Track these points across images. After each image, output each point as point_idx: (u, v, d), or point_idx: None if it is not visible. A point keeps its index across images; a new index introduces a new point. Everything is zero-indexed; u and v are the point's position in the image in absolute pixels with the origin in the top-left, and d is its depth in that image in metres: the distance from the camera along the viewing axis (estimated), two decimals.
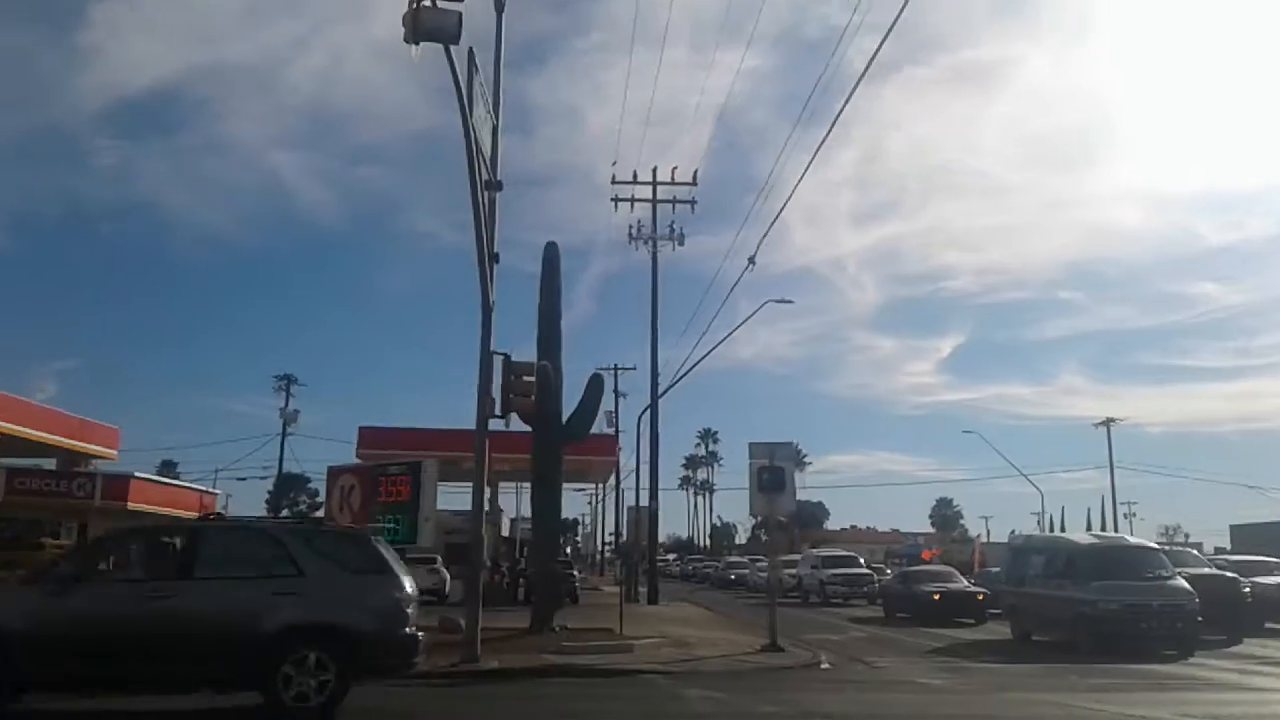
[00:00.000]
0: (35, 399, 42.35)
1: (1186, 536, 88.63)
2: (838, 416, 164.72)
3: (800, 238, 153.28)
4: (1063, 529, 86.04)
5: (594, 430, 25.67)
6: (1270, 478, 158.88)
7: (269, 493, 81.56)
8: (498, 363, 14.38)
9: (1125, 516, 78.22)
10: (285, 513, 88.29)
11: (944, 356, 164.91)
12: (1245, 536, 43.03)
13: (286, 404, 69.59)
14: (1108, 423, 62.74)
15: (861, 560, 42.52)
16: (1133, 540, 24.89)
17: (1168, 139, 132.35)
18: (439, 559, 31.51)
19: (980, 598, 27.36)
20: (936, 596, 27.65)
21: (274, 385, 72.12)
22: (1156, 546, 23.47)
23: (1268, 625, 22.26)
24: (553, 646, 16.28)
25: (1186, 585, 19.45)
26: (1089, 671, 15.11)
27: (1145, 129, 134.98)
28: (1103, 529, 66.08)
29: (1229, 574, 23.28)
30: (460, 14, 10.20)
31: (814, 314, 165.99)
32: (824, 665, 16.14)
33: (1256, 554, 29.46)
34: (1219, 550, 48.17)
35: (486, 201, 14.16)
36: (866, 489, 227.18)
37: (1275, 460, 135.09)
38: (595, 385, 18.73)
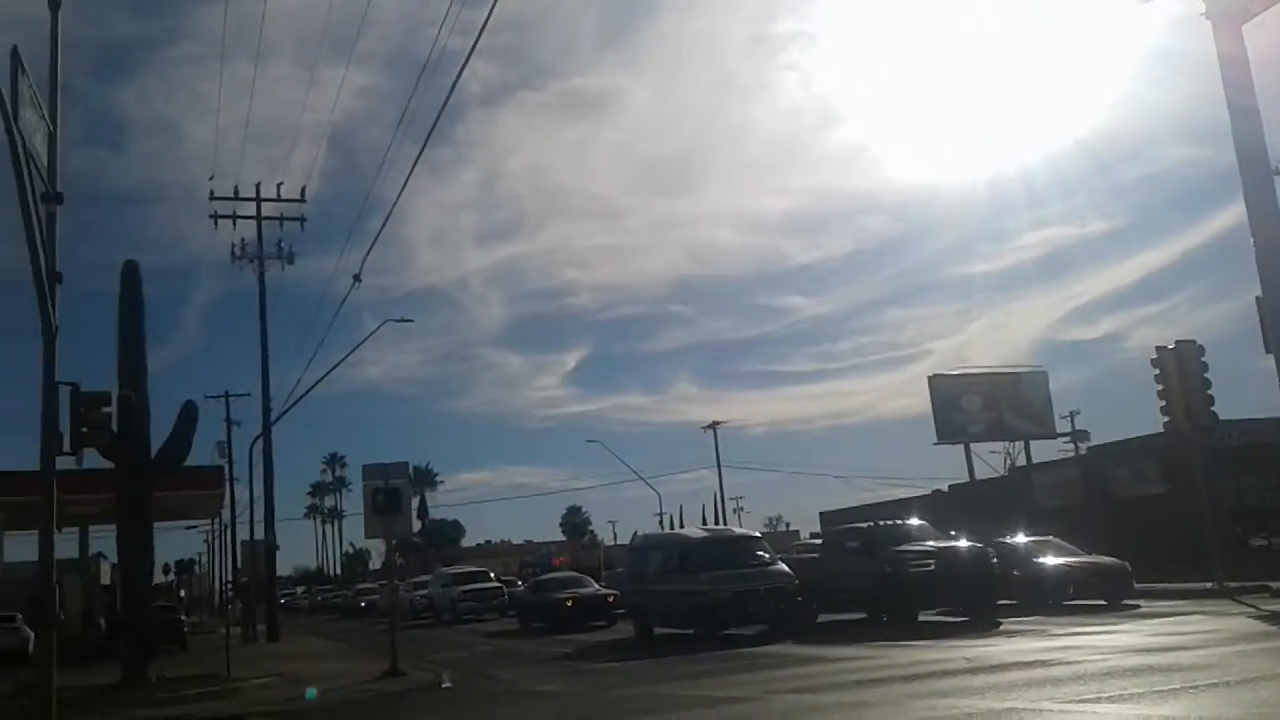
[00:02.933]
0: None
1: (787, 525, 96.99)
2: (469, 434, 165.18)
3: (425, 258, 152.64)
4: (681, 526, 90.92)
5: (204, 462, 24.04)
6: (853, 468, 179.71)
7: None
8: (65, 394, 12.97)
9: (734, 511, 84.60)
10: None
11: (569, 370, 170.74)
12: (833, 521, 47.69)
13: None
14: (714, 426, 67.32)
15: (491, 574, 42.78)
16: (738, 531, 27.03)
17: (755, 169, 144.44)
18: (19, 617, 28.13)
19: (610, 600, 27.99)
20: (568, 603, 28.02)
21: None
22: (759, 535, 24.97)
23: None
24: (144, 699, 14.93)
25: (786, 569, 20.93)
26: (698, 660, 15.95)
27: (736, 159, 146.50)
28: (715, 523, 70.93)
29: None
30: None
31: (442, 333, 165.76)
32: (445, 685, 15.95)
33: None
34: (813, 535, 53.10)
35: (44, 216, 12.75)
36: (501, 503, 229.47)
37: (856, 452, 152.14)
38: (188, 413, 17.42)
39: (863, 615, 21.70)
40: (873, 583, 20.59)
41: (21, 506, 19.10)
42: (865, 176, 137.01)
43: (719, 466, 67.51)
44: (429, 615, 40.59)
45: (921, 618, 20.50)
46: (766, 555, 21.46)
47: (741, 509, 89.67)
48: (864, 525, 23.87)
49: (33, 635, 27.67)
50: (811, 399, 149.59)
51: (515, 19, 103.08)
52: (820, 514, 54.10)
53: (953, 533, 24.91)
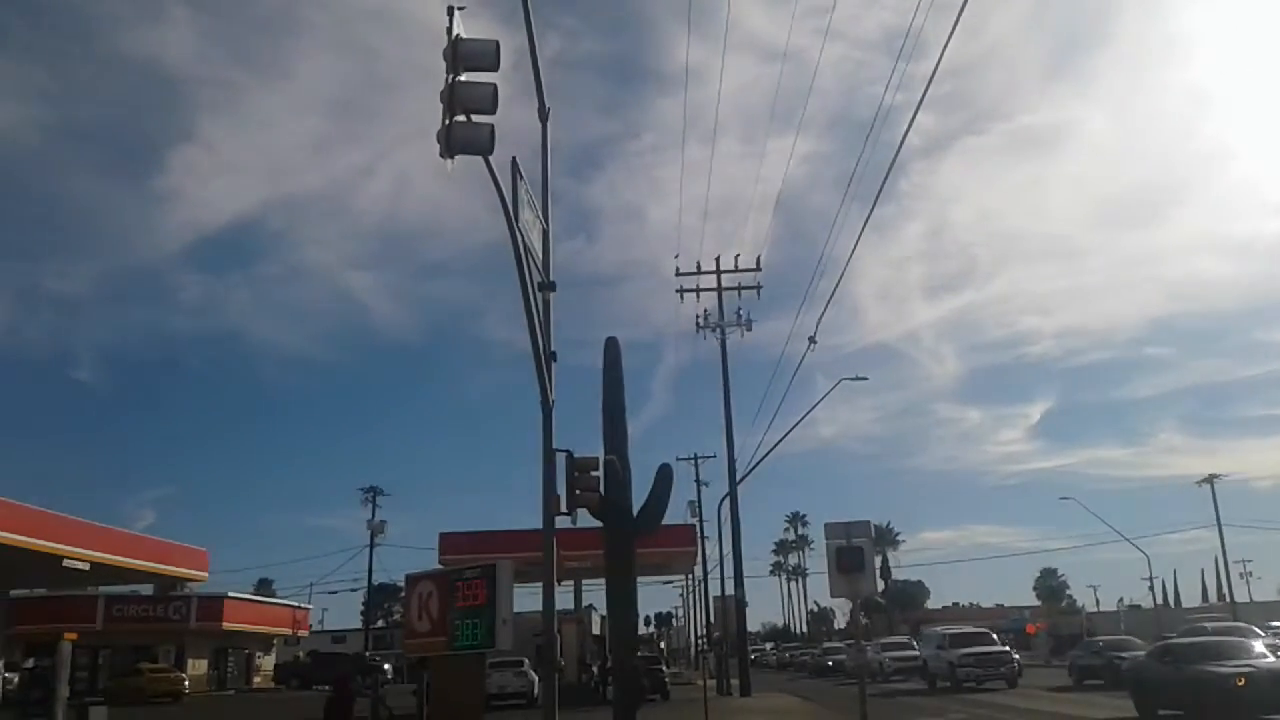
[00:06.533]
0: (135, 528, 43.32)
1: None
2: (928, 491, 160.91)
3: (874, 315, 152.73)
4: (1177, 595, 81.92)
5: (678, 520, 25.58)
6: None
7: (363, 604, 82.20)
8: (561, 460, 14.45)
9: (1241, 576, 74.72)
10: (380, 623, 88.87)
11: (1033, 423, 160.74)
12: None
13: (373, 515, 70.24)
14: (1211, 480, 60.36)
15: (994, 637, 39.08)
16: None
17: (1240, 188, 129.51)
18: (526, 662, 31.27)
19: None
20: (1240, 682, 16.92)
21: (361, 497, 72.67)
22: None
23: None
24: None
25: None
26: None
27: (1216, 179, 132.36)
28: (1218, 591, 63.20)
29: None
30: (492, 127, 10.58)
31: (894, 389, 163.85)
32: None
33: None
34: None
35: (540, 302, 14.41)
36: (966, 564, 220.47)
37: None
38: (663, 476, 18.58)
39: None
40: None
41: (527, 561, 21.38)
42: None
43: (1219, 525, 60.40)
44: (899, 677, 39.74)
45: None
46: None
47: (1250, 574, 78.96)
48: None
49: (536, 679, 30.78)
50: None
51: (955, 65, 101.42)
52: None
53: None
